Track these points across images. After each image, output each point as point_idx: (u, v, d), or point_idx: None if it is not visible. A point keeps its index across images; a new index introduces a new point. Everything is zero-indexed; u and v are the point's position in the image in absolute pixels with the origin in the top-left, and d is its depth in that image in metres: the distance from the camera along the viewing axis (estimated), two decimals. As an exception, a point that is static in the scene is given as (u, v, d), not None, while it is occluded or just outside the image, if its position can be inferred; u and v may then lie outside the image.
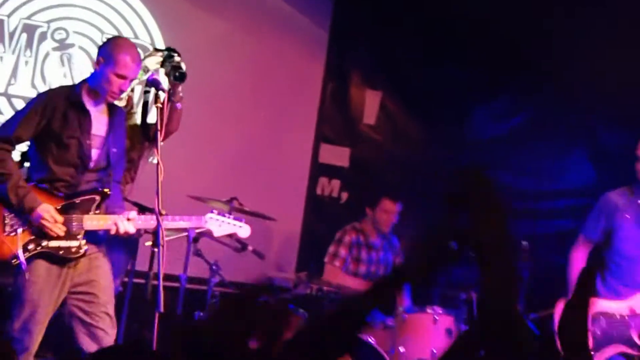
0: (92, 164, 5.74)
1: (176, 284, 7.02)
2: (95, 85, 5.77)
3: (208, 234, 6.54)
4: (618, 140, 8.92)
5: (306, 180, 9.31)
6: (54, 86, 7.81)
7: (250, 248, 7.11)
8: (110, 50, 5.75)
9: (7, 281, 5.97)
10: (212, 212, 6.21)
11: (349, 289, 7.79)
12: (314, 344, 2.65)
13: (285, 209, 8.73)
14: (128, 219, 5.68)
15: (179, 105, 6.11)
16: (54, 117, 5.70)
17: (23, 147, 5.92)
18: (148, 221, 5.77)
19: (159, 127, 5.69)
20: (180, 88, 6.07)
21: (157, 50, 6.30)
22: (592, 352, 6.53)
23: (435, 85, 9.43)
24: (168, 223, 5.95)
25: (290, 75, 9.11)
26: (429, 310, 7.34)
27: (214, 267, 7.37)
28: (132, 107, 6.32)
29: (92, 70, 5.94)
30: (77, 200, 5.68)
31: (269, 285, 3.65)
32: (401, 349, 7.13)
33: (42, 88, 8.15)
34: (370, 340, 7.11)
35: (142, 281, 6.42)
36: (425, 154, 9.48)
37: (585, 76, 8.53)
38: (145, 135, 6.13)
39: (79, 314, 5.64)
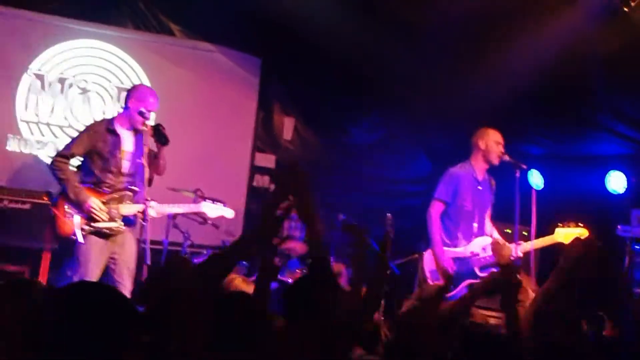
0: (124, 171, 6.41)
1: (160, 247, 7.47)
2: (127, 116, 6.43)
3: (202, 215, 7.12)
4: (445, 145, 9.80)
5: (247, 176, 9.74)
6: (79, 118, 8.67)
7: (209, 222, 7.47)
8: (141, 94, 6.48)
9: (63, 248, 6.33)
10: (206, 200, 6.91)
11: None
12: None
13: (234, 195, 8.95)
14: (150, 207, 6.32)
15: (162, 162, 6.56)
16: (97, 139, 6.34)
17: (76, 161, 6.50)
18: (164, 208, 6.56)
19: (146, 143, 6.32)
20: (164, 151, 6.50)
21: (151, 126, 6.50)
22: (452, 288, 6.81)
23: (327, 111, 10.14)
24: (180, 207, 6.83)
25: (235, 107, 9.63)
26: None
27: (186, 235, 7.88)
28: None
29: (122, 107, 6.58)
30: (116, 195, 6.36)
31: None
32: (309, 286, 8.06)
33: (71, 119, 8.75)
34: (289, 281, 7.52)
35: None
36: (322, 156, 10.02)
37: (422, 102, 9.18)
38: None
39: (110, 271, 6.33)
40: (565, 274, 3.39)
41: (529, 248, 6.90)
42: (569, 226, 6.83)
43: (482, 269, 6.91)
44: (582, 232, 6.74)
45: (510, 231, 7.28)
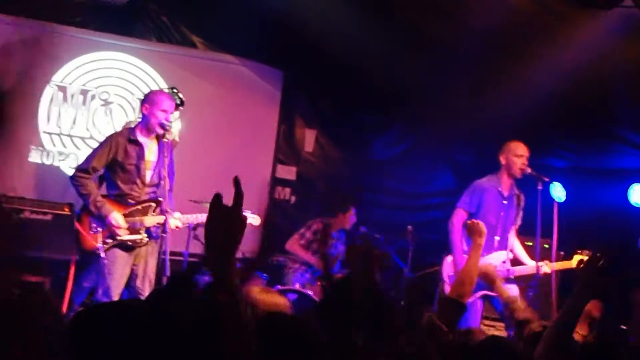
0: (148, 181, 6.35)
1: (181, 258, 7.55)
2: (146, 124, 6.34)
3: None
4: (467, 158, 9.92)
5: (268, 188, 9.78)
6: (101, 130, 8.61)
7: None
8: (153, 97, 6.41)
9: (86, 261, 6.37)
10: None
11: (302, 259, 8.41)
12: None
13: (254, 207, 8.10)
14: (175, 218, 6.35)
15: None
16: (118, 151, 6.27)
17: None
18: (188, 219, 6.52)
19: (164, 155, 6.30)
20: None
21: (165, 89, 6.79)
22: None
23: (349, 124, 10.24)
24: (205, 217, 7.05)
25: (257, 120, 9.71)
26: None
27: (206, 246, 8.17)
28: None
29: (140, 116, 6.48)
30: (140, 207, 6.31)
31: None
32: (331, 298, 8.16)
33: (93, 131, 8.79)
34: (309, 292, 7.77)
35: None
36: (343, 170, 10.18)
37: (445, 116, 9.20)
38: None
39: (132, 283, 6.32)
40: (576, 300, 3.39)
41: (549, 270, 6.95)
42: (588, 255, 6.76)
43: None
44: None
45: (531, 244, 7.28)
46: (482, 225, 4.49)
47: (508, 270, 7.02)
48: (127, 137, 6.35)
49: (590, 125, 8.66)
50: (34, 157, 8.63)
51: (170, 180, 6.46)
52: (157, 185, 6.40)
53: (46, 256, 7.02)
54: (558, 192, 7.50)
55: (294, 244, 8.55)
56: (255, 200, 9.24)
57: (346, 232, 8.87)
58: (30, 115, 8.58)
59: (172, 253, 6.20)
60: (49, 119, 8.72)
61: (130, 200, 6.30)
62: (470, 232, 4.58)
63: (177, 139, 6.52)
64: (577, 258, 6.82)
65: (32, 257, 7.10)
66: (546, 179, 7.16)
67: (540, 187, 7.06)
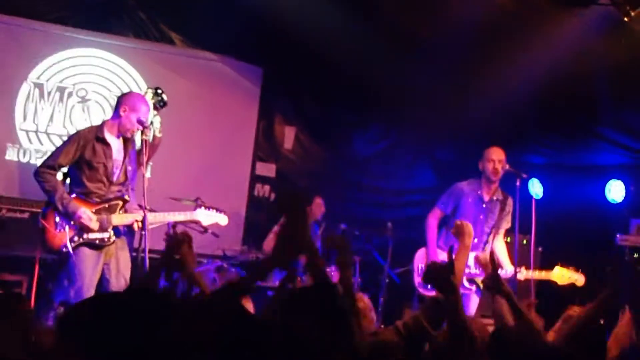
0: (114, 179, 6.25)
1: (160, 256, 7.81)
2: (117, 124, 6.24)
3: (197, 223, 6.77)
4: (447, 157, 9.97)
5: (247, 186, 9.82)
6: (78, 127, 8.14)
7: (209, 231, 7.19)
8: (135, 102, 6.26)
9: (57, 260, 6.24)
10: (201, 207, 6.67)
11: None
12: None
13: (234, 204, 9.04)
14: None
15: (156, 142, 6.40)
16: (85, 149, 6.15)
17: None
18: (156, 217, 6.38)
19: (144, 152, 6.07)
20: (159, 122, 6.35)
21: (149, 88, 6.51)
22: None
23: (329, 121, 10.28)
24: (173, 216, 6.57)
25: (236, 117, 9.74)
26: (327, 270, 8.35)
27: (185, 244, 8.18)
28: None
29: (112, 113, 6.38)
30: (106, 205, 6.20)
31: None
32: (310, 296, 8.29)
33: (70, 129, 8.64)
34: (292, 290, 8.16)
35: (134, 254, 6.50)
36: (323, 167, 10.23)
37: (426, 113, 9.32)
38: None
39: (105, 282, 6.18)
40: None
41: (528, 277, 7.00)
42: (567, 268, 6.86)
43: (469, 280, 7.12)
44: (578, 279, 6.80)
45: (509, 239, 7.39)
46: (469, 227, 4.56)
47: (481, 272, 7.01)
48: (95, 135, 6.25)
49: (568, 122, 8.75)
50: (11, 154, 8.62)
51: (133, 178, 6.43)
52: (123, 183, 6.33)
53: (24, 255, 7.11)
54: (536, 188, 7.60)
55: (270, 243, 8.55)
56: (235, 198, 9.43)
57: (318, 224, 8.90)
58: (7, 112, 8.60)
59: (151, 251, 6.06)
60: (25, 117, 8.71)
61: (95, 199, 6.21)
62: (458, 233, 4.64)
63: (158, 134, 6.37)
64: (557, 270, 6.89)
65: (9, 255, 7.30)
66: (524, 176, 7.23)
67: (518, 184, 7.11)
